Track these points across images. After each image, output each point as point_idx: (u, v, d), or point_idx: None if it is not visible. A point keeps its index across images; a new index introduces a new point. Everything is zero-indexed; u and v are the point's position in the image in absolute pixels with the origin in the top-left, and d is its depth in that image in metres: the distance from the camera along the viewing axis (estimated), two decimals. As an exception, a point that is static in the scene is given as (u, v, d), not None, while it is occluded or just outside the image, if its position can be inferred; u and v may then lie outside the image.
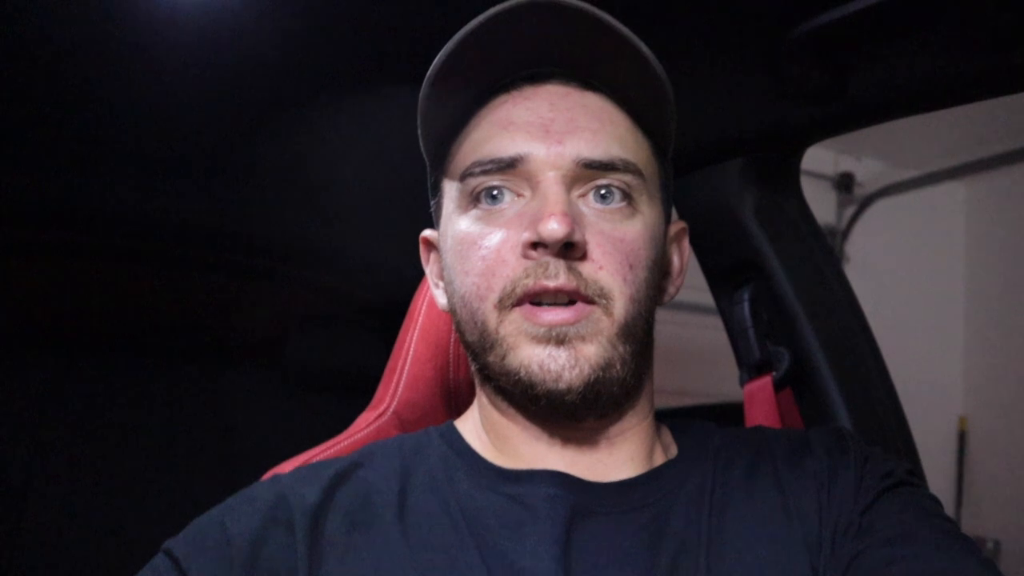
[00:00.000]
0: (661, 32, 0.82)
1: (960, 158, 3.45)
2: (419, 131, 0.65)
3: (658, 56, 0.61)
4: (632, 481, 0.63)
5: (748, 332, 1.03)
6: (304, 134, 1.14)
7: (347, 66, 0.97)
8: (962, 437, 3.69)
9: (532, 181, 0.60)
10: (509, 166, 0.60)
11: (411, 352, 0.85)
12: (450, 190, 0.65)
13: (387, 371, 0.87)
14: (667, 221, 0.68)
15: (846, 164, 3.67)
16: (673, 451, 0.69)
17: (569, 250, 0.58)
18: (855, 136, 0.93)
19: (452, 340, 0.85)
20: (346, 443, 0.80)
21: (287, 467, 0.74)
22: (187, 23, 0.87)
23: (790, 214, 1.03)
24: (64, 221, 1.44)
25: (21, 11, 0.84)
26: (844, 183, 3.67)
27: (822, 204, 3.63)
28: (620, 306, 0.59)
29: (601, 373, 0.59)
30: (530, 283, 0.58)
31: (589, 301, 0.59)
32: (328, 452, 0.78)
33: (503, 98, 0.62)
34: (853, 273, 3.60)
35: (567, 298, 0.58)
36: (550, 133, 0.60)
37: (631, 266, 0.60)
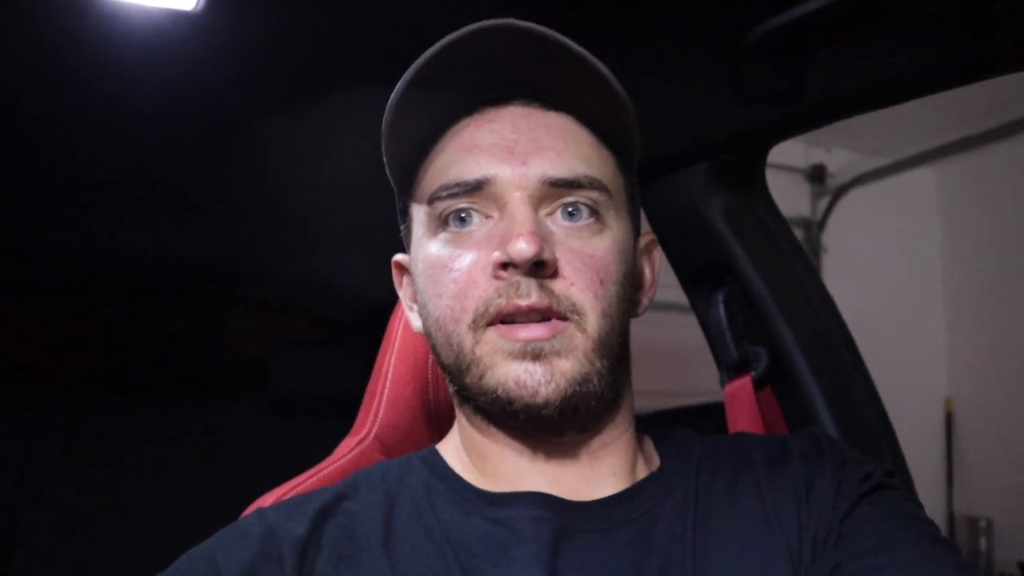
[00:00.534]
0: (621, 41, 0.83)
1: (928, 143, 3.50)
2: (384, 158, 0.65)
3: (618, 65, 0.61)
4: (616, 497, 0.64)
5: (725, 334, 1.04)
6: (275, 159, 1.14)
7: (315, 91, 0.97)
8: (949, 418, 3.72)
9: (499, 202, 0.60)
10: (475, 189, 0.60)
11: (390, 375, 0.85)
12: (418, 214, 0.65)
13: (367, 395, 0.87)
14: (636, 234, 0.68)
15: (817, 156, 3.72)
16: (656, 462, 0.69)
17: (540, 268, 0.58)
18: (824, 128, 0.94)
19: (430, 361, 0.84)
20: (328, 470, 0.79)
21: (270, 498, 0.74)
22: (146, 53, 0.86)
23: (758, 214, 1.05)
24: (37, 258, 1.43)
25: None
26: (816, 175, 3.72)
27: (796, 197, 3.66)
28: (593, 321, 0.60)
29: (578, 388, 0.59)
30: (503, 303, 0.58)
31: (562, 318, 0.59)
32: (311, 481, 0.77)
33: (466, 121, 0.63)
34: (832, 263, 3.68)
35: (540, 316, 0.59)
36: (514, 154, 0.60)
37: (602, 281, 0.60)
